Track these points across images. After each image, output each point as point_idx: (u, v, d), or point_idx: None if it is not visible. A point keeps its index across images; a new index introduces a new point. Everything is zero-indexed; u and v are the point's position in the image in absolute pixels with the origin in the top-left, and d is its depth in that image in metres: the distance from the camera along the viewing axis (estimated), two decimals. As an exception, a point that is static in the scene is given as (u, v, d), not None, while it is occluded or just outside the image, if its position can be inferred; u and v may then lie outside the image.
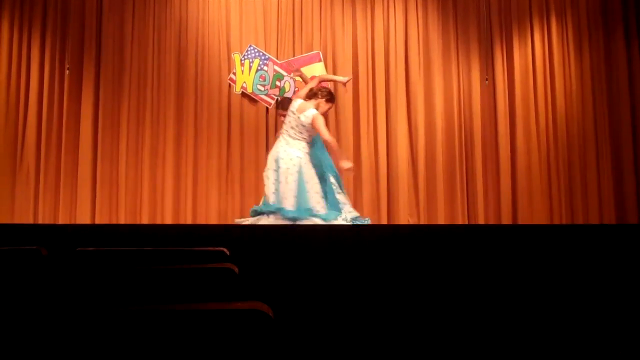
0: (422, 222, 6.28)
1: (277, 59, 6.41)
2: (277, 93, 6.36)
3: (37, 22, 6.21)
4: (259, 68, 6.34)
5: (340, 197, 5.08)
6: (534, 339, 2.00)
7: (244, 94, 6.36)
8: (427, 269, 2.67)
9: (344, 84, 5.58)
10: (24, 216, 5.88)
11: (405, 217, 6.27)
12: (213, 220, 6.10)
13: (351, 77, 5.98)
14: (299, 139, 4.98)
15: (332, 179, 5.08)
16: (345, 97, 6.38)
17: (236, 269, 1.54)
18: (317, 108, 5.02)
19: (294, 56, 6.46)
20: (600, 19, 6.60)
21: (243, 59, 6.34)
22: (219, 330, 1.00)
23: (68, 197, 6.04)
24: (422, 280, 2.52)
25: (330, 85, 5.97)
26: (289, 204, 4.82)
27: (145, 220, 6.05)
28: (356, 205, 5.69)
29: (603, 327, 2.03)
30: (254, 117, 6.35)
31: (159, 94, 6.30)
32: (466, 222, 6.32)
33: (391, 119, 6.44)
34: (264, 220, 4.86)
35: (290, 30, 6.51)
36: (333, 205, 4.96)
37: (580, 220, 6.28)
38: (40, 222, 5.86)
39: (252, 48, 6.37)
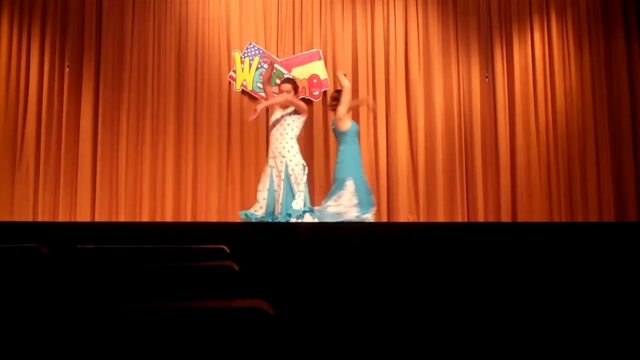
0: (422, 220, 6.28)
1: (277, 56, 6.40)
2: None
3: (37, 19, 6.20)
4: (259, 66, 6.33)
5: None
6: (533, 336, 2.00)
7: (244, 92, 6.36)
8: (426, 266, 2.67)
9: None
10: (23, 214, 5.87)
11: (405, 215, 6.26)
12: (213, 217, 6.09)
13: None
14: None
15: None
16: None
17: (236, 267, 1.54)
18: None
19: (294, 54, 6.45)
20: (601, 18, 6.59)
21: (243, 56, 6.33)
22: (219, 327, 1.00)
23: (68, 195, 6.03)
24: (421, 278, 2.52)
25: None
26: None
27: (145, 217, 6.04)
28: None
29: (603, 325, 2.03)
30: (254, 115, 6.34)
31: (159, 91, 6.29)
32: (466, 220, 6.32)
33: (391, 117, 6.43)
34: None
35: (291, 28, 6.50)
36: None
37: (579, 217, 6.28)
38: (40, 219, 5.85)
39: (252, 46, 6.36)
